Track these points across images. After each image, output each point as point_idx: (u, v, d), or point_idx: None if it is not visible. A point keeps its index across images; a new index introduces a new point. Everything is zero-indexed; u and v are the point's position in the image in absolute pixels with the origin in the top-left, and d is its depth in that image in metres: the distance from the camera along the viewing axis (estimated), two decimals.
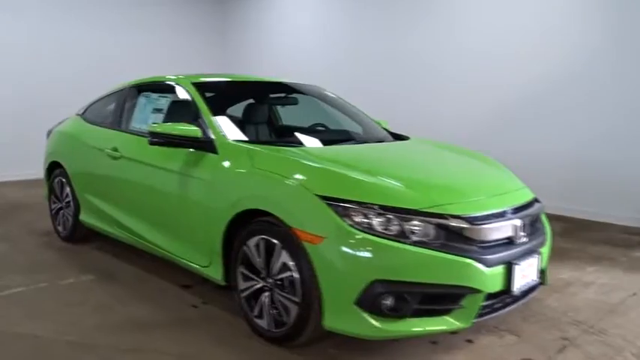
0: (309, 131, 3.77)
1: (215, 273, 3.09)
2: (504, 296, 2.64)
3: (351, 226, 2.43)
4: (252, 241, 2.80)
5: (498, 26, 6.24)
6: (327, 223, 2.47)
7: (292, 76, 4.90)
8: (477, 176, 3.10)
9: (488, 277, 2.49)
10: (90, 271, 3.93)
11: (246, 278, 2.88)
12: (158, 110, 3.73)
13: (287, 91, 4.26)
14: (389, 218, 2.45)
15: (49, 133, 5.03)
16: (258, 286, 2.82)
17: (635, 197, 5.33)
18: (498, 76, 6.27)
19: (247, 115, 3.95)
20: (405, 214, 2.45)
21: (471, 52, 6.52)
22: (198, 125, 3.23)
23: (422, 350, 2.75)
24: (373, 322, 2.41)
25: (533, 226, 2.88)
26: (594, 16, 5.45)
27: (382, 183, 2.62)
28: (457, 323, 2.49)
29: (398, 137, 3.86)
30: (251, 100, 4.10)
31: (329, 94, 4.29)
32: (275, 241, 2.68)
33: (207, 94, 3.50)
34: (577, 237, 5.05)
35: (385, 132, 3.95)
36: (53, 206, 4.84)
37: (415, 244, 2.41)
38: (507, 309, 2.69)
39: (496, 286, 2.54)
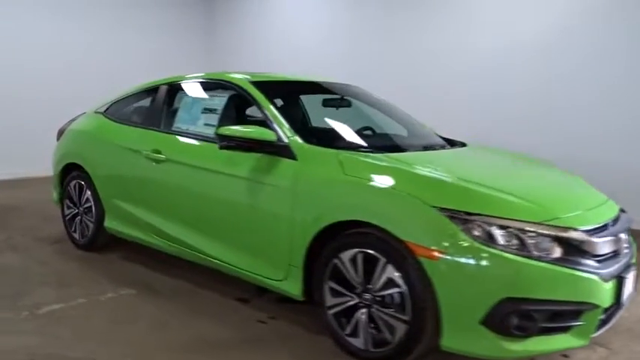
0: (371, 136, 3.57)
1: (292, 288, 2.87)
2: (612, 309, 2.57)
3: (473, 240, 2.28)
4: (347, 255, 2.60)
5: (509, 25, 6.21)
6: (447, 236, 2.31)
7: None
8: (568, 188, 3.00)
9: (607, 291, 2.40)
10: (127, 284, 3.61)
11: (337, 294, 2.68)
12: (210, 110, 3.45)
13: (326, 91, 4.02)
14: (511, 232, 2.31)
15: (61, 132, 4.63)
16: (352, 302, 2.62)
17: None
18: (511, 77, 6.24)
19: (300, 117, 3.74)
20: (529, 227, 2.32)
21: (483, 51, 6.44)
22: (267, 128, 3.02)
23: None
24: (500, 342, 2.27)
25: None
26: (614, 15, 5.43)
27: (497, 194, 2.48)
28: (577, 341, 2.38)
29: (449, 142, 3.70)
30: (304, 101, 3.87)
31: (370, 94, 4.09)
32: (377, 254, 2.50)
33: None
34: None
35: (437, 136, 3.81)
36: (67, 211, 4.45)
37: (540, 259, 2.28)
38: (612, 322, 2.62)
39: (610, 300, 2.46)
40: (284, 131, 2.99)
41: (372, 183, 2.57)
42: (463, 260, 2.27)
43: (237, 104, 3.39)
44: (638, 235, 5.27)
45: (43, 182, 7.45)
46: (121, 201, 3.92)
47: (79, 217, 4.33)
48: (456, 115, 6.58)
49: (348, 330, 2.64)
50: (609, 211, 2.78)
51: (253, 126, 3.00)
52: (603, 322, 2.52)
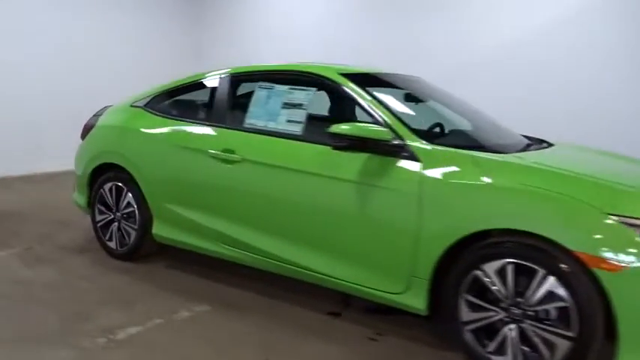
0: (470, 133, 3.28)
1: (414, 301, 2.62)
2: None
3: None
4: (492, 266, 2.38)
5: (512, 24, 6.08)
6: (628, 246, 2.12)
7: None
8: None
9: None
10: (196, 299, 3.24)
11: (477, 308, 2.45)
12: (294, 105, 3.12)
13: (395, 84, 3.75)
14: None
15: (89, 128, 4.14)
16: (497, 317, 2.40)
17: None
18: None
19: None
20: None
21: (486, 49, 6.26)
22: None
23: None
24: None
25: None
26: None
27: None
28: None
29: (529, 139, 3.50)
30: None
31: (435, 86, 3.82)
32: (535, 266, 2.29)
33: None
34: None
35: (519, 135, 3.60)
36: (100, 218, 3.99)
37: None
38: None
39: None
40: (397, 129, 2.72)
41: (528, 187, 2.35)
42: None
43: (330, 98, 3.08)
44: None
45: (40, 181, 6.91)
46: (176, 206, 3.53)
47: (116, 224, 3.89)
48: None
49: (492, 347, 2.42)
50: None
51: (366, 123, 2.71)
52: None
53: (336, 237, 2.84)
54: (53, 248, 4.21)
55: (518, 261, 2.33)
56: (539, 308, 2.30)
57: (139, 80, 6.92)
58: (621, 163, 3.11)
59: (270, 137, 3.13)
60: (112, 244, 3.94)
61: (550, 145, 3.23)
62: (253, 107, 3.28)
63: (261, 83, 3.33)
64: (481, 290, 2.43)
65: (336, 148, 2.70)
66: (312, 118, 3.09)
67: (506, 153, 2.73)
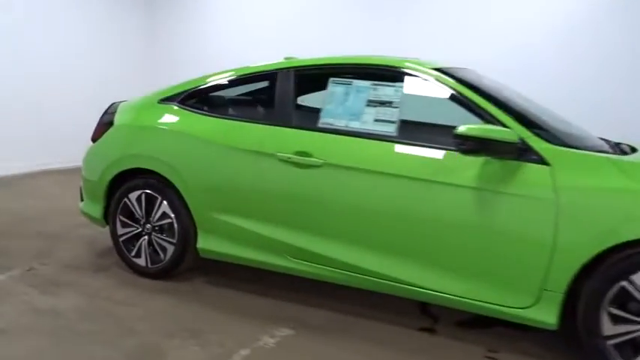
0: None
1: (543, 315, 2.43)
2: None
3: None
4: None
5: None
6: None
7: None
8: None
9: None
10: (271, 321, 2.87)
11: (621, 321, 2.30)
12: (381, 103, 2.81)
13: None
14: None
15: (104, 127, 3.58)
16: None
17: None
18: None
19: None
20: None
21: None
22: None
23: None
24: None
25: None
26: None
27: None
28: None
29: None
30: None
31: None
32: None
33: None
34: None
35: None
36: (122, 231, 3.47)
37: None
38: None
39: None
40: (518, 130, 2.50)
41: None
42: None
43: (423, 96, 2.82)
44: None
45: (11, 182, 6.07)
46: (229, 216, 3.11)
47: (146, 238, 3.39)
48: None
49: None
50: None
51: (491, 125, 2.48)
52: None
53: (449, 249, 2.58)
54: (59, 267, 3.62)
55: None
56: None
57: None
58: None
59: (356, 139, 2.81)
60: (141, 261, 3.43)
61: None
62: (329, 105, 2.94)
63: (334, 78, 2.99)
64: (626, 302, 2.28)
65: (465, 152, 2.44)
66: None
67: (614, 154, 2.60)
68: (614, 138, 3.12)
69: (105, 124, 3.60)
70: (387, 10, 6.57)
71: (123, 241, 3.49)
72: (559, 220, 2.34)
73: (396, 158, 2.69)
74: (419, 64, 2.86)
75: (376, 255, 2.74)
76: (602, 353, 2.34)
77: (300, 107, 3.09)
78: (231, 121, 3.19)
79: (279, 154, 2.92)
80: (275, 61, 3.25)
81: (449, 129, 2.65)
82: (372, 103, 2.84)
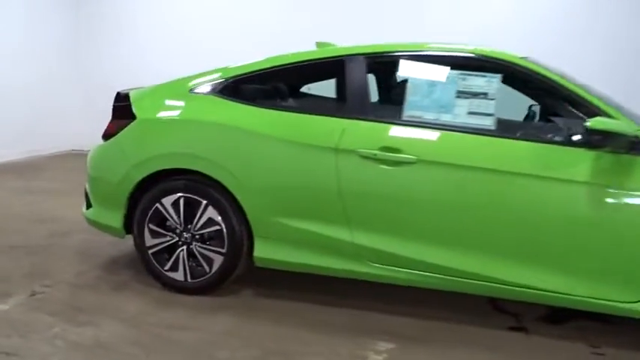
0: None
1: None
2: None
3: None
4: None
5: None
6: None
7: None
8: None
9: None
10: (365, 335, 2.60)
11: None
12: (473, 95, 2.63)
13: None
14: None
15: (124, 118, 3.04)
16: None
17: None
18: None
19: None
20: None
21: None
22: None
23: None
24: None
25: None
26: None
27: None
28: None
29: None
30: None
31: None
32: None
33: None
34: None
35: None
36: (153, 242, 2.99)
37: None
38: None
39: None
40: (627, 122, 2.46)
41: None
42: None
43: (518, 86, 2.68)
44: None
45: None
46: (296, 220, 2.77)
47: (184, 248, 2.95)
48: None
49: None
50: None
51: (611, 119, 2.40)
52: None
53: (559, 246, 2.48)
54: (68, 289, 3.06)
55: None
56: None
57: None
58: None
59: (451, 133, 2.61)
60: (178, 275, 2.98)
61: None
62: (413, 96, 2.70)
63: (416, 67, 2.76)
64: None
65: (595, 146, 2.34)
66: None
67: None
68: None
69: (122, 117, 3.06)
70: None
71: (153, 253, 3.01)
72: None
73: (498, 153, 2.54)
74: (506, 53, 2.71)
75: (479, 256, 2.57)
76: None
77: (379, 98, 2.81)
78: (294, 114, 2.84)
79: (360, 150, 2.64)
80: (340, 46, 2.94)
81: (549, 122, 2.55)
82: (462, 94, 2.65)
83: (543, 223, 2.48)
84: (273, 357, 2.40)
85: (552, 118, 2.70)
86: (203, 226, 2.91)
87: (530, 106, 3.23)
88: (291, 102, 3.06)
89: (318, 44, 3.54)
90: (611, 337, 2.69)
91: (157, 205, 2.95)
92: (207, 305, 2.89)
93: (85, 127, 6.94)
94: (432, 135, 2.63)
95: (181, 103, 3.01)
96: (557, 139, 2.50)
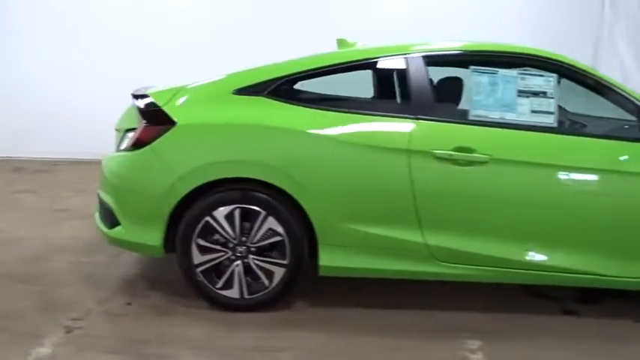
0: None
1: None
2: None
3: None
4: None
5: None
6: None
7: None
8: None
9: None
10: (451, 335, 2.62)
11: None
12: (534, 94, 2.73)
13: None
14: None
15: (160, 124, 2.71)
16: None
17: None
18: None
19: None
20: None
21: None
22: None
23: None
24: None
25: None
26: None
27: None
28: None
29: None
30: None
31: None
32: None
33: None
34: None
35: None
36: (203, 259, 2.74)
37: None
38: None
39: None
40: None
41: None
42: None
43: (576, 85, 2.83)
44: None
45: None
46: (368, 225, 2.70)
47: (240, 263, 2.74)
48: None
49: None
50: None
51: None
52: None
53: (629, 235, 2.70)
54: (106, 319, 2.72)
55: None
56: None
57: None
58: None
59: (519, 131, 2.70)
60: (233, 293, 2.77)
61: None
62: (478, 96, 2.75)
63: (474, 67, 2.80)
64: None
65: None
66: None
67: None
68: None
69: (157, 123, 2.73)
70: None
71: (202, 271, 2.75)
72: None
73: (567, 150, 2.69)
74: (558, 54, 2.86)
75: (546, 248, 2.71)
76: None
77: (440, 98, 2.81)
78: (358, 115, 2.74)
79: (435, 151, 2.64)
80: (395, 44, 2.88)
81: (602, 118, 2.74)
82: (523, 93, 2.76)
83: (609, 214, 2.67)
84: None
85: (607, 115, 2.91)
86: (262, 238, 2.72)
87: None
88: (350, 103, 2.95)
89: (339, 41, 3.45)
90: None
91: (208, 218, 2.69)
92: (273, 322, 2.72)
93: None
94: (502, 134, 2.70)
95: (228, 106, 2.76)
96: (623, 135, 2.70)
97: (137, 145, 2.75)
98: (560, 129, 2.72)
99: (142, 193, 2.74)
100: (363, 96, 3.15)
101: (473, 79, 2.78)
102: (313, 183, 2.67)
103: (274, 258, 2.74)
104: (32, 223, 4.18)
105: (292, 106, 2.74)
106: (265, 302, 2.79)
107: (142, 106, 2.80)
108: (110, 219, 2.86)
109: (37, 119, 6.51)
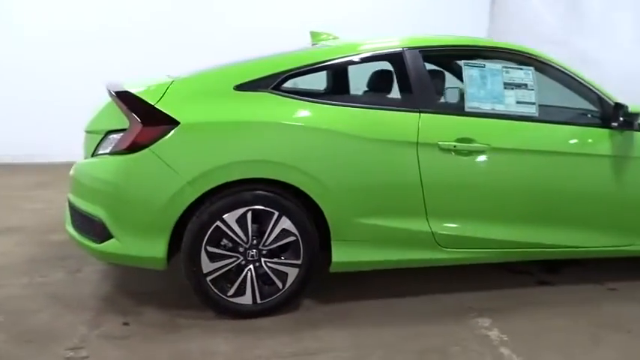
0: None
1: None
2: None
3: None
4: None
5: None
6: None
7: None
8: None
9: None
10: (462, 315, 2.76)
11: None
12: (517, 86, 2.93)
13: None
14: None
15: (159, 125, 2.47)
16: None
17: None
18: None
19: None
20: None
21: None
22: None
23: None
24: None
25: None
26: None
27: None
28: None
29: None
30: None
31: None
32: None
33: None
34: None
35: None
36: (213, 267, 2.57)
37: None
38: None
39: None
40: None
41: None
42: None
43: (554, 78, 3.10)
44: None
45: None
46: (379, 217, 2.72)
47: (252, 268, 2.63)
48: None
49: None
50: None
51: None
52: None
53: (599, 210, 3.03)
54: (108, 346, 2.42)
55: None
56: None
57: None
58: None
59: (508, 121, 2.90)
60: (245, 299, 2.64)
61: None
62: (471, 89, 2.89)
63: (465, 61, 2.94)
64: None
65: (625, 126, 2.93)
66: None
67: None
68: None
69: (155, 123, 2.48)
70: None
71: (212, 280, 2.59)
72: None
73: (547, 136, 2.94)
74: (531, 49, 3.10)
75: (538, 228, 2.97)
76: None
77: (437, 90, 2.90)
78: (366, 110, 2.73)
79: (441, 143, 2.74)
80: (392, 38, 2.91)
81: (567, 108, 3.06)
82: (508, 85, 2.96)
83: (583, 192, 2.99)
84: (431, 355, 2.40)
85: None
86: (275, 240, 2.62)
87: None
88: (357, 97, 2.91)
89: (313, 33, 3.41)
90: (613, 276, 3.36)
91: (218, 223, 2.53)
92: (292, 325, 2.64)
93: None
94: (495, 124, 2.88)
95: (233, 103, 2.59)
96: (593, 122, 3.04)
97: (133, 148, 2.48)
98: (540, 118, 2.97)
99: (144, 201, 2.48)
100: (384, 89, 3.14)
101: (465, 72, 2.92)
102: (330, 180, 2.62)
103: (288, 259, 2.66)
104: None
105: (296, 101, 2.65)
106: (277, 306, 2.70)
107: (133, 104, 2.52)
108: (100, 233, 2.55)
109: None
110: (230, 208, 2.53)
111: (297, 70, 2.72)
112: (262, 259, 2.63)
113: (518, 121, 2.92)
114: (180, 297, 2.85)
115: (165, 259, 2.55)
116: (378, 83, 3.12)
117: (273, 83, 2.66)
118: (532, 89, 2.98)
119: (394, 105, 2.85)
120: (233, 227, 2.55)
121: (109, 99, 2.78)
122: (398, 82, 2.96)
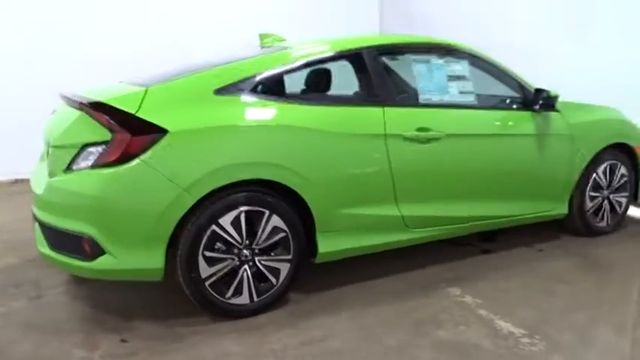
0: None
1: (562, 209, 3.76)
2: None
3: None
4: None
5: None
6: None
7: None
8: None
9: None
10: (433, 289, 3.07)
11: None
12: (457, 78, 3.29)
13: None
14: None
15: (145, 134, 2.42)
16: None
17: None
18: None
19: None
20: None
21: None
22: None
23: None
24: None
25: None
26: None
27: None
28: None
29: None
30: None
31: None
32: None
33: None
34: None
35: None
36: (211, 271, 2.59)
37: None
38: None
39: None
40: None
41: None
42: None
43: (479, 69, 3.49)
44: None
45: None
46: (356, 207, 2.92)
47: (247, 267, 2.70)
48: None
49: None
50: None
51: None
52: None
53: (522, 181, 3.52)
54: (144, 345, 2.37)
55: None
56: None
57: None
58: None
59: (455, 110, 3.25)
60: (243, 299, 2.71)
61: None
62: (422, 82, 3.20)
63: (413, 57, 3.24)
64: None
65: (541, 108, 3.46)
66: None
67: None
68: None
69: (142, 133, 2.44)
70: None
71: (211, 284, 2.61)
72: (573, 145, 3.66)
73: (487, 121, 3.35)
74: (462, 44, 3.48)
75: (487, 202, 3.38)
76: None
77: (394, 85, 3.15)
78: (338, 108, 2.90)
79: (405, 133, 3.01)
80: (352, 38, 3.11)
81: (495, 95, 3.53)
82: (451, 78, 3.32)
83: (521, 167, 3.46)
84: (427, 324, 2.66)
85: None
86: (267, 238, 2.71)
87: None
88: (326, 96, 3.04)
89: (262, 35, 3.50)
90: (537, 238, 3.89)
91: (214, 227, 2.56)
92: (291, 318, 2.74)
93: None
94: (445, 113, 3.22)
95: (218, 107, 2.61)
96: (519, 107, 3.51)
97: (122, 159, 2.41)
98: (478, 105, 3.37)
99: (139, 212, 2.42)
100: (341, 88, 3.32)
101: (413, 68, 3.22)
102: (315, 176, 2.76)
103: (279, 255, 2.76)
104: None
105: (274, 102, 2.74)
106: (272, 301, 2.79)
107: (113, 115, 2.44)
108: (90, 250, 2.44)
109: None
110: (223, 212, 2.57)
111: (275, 72, 2.82)
112: (256, 258, 2.70)
113: (463, 109, 3.28)
114: (166, 306, 2.83)
115: (163, 269, 2.52)
116: (346, 80, 3.31)
117: (252, 85, 2.73)
118: (469, 80, 3.37)
119: (360, 101, 3.06)
120: (229, 230, 2.59)
121: (70, 111, 2.67)
122: (359, 80, 3.17)
